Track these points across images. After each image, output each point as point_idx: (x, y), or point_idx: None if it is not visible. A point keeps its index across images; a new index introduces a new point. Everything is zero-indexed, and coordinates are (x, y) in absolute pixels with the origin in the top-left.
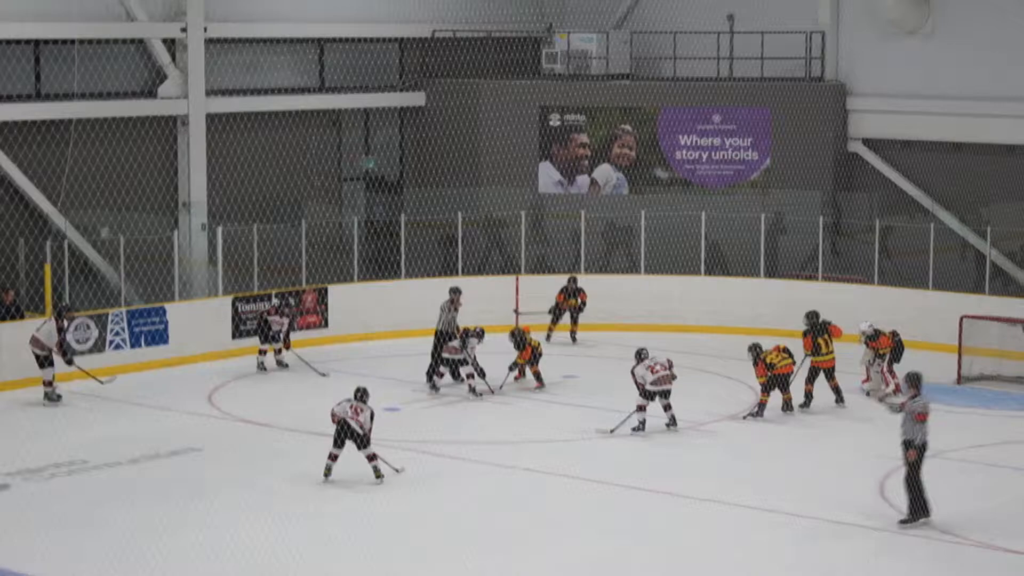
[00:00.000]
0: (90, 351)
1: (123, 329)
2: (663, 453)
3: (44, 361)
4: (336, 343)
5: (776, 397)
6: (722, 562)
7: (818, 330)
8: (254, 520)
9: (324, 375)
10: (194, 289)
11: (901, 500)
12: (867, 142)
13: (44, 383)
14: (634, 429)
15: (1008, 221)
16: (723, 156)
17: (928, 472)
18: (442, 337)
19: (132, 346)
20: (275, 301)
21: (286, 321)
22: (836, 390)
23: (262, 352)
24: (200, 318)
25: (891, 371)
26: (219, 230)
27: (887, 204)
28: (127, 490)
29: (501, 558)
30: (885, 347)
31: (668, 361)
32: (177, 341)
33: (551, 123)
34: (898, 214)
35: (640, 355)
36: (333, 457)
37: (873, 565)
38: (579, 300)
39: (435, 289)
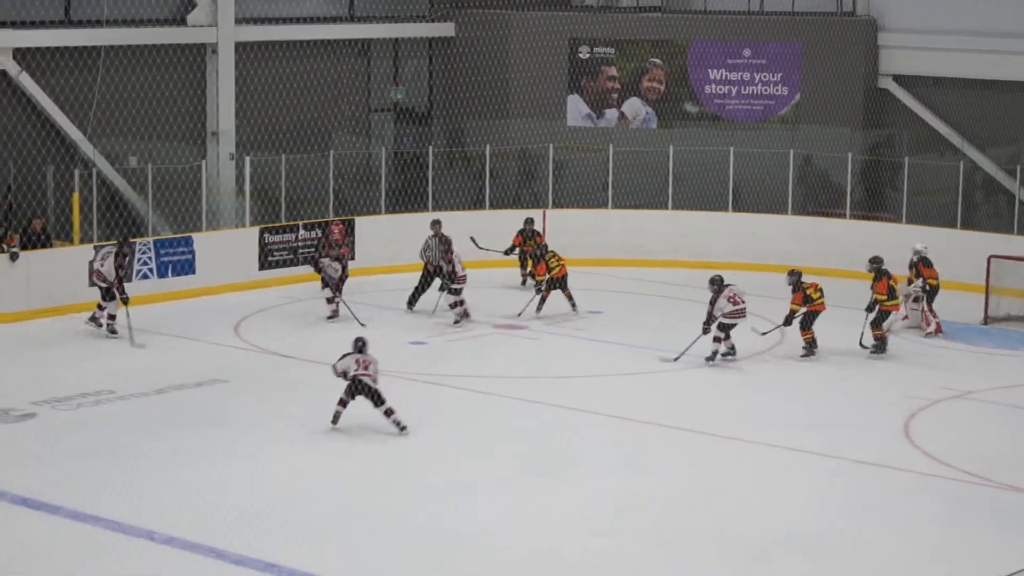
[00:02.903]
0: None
1: (150, 259)
2: (688, 389)
3: (107, 293)
4: (363, 275)
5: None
6: (744, 501)
7: (886, 273)
8: (279, 452)
9: (363, 324)
10: (222, 219)
11: (926, 440)
12: (898, 78)
13: (108, 315)
14: (724, 356)
15: None
16: (753, 91)
17: (955, 412)
18: (437, 272)
19: (159, 276)
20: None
21: (339, 267)
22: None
23: (330, 300)
24: (227, 249)
25: (931, 310)
26: (247, 160)
27: (917, 141)
28: (153, 420)
29: (518, 493)
30: (934, 279)
31: (743, 294)
32: (204, 271)
33: (580, 56)
34: (928, 152)
35: (720, 283)
36: (343, 403)
37: (898, 505)
38: (535, 243)
39: (463, 221)
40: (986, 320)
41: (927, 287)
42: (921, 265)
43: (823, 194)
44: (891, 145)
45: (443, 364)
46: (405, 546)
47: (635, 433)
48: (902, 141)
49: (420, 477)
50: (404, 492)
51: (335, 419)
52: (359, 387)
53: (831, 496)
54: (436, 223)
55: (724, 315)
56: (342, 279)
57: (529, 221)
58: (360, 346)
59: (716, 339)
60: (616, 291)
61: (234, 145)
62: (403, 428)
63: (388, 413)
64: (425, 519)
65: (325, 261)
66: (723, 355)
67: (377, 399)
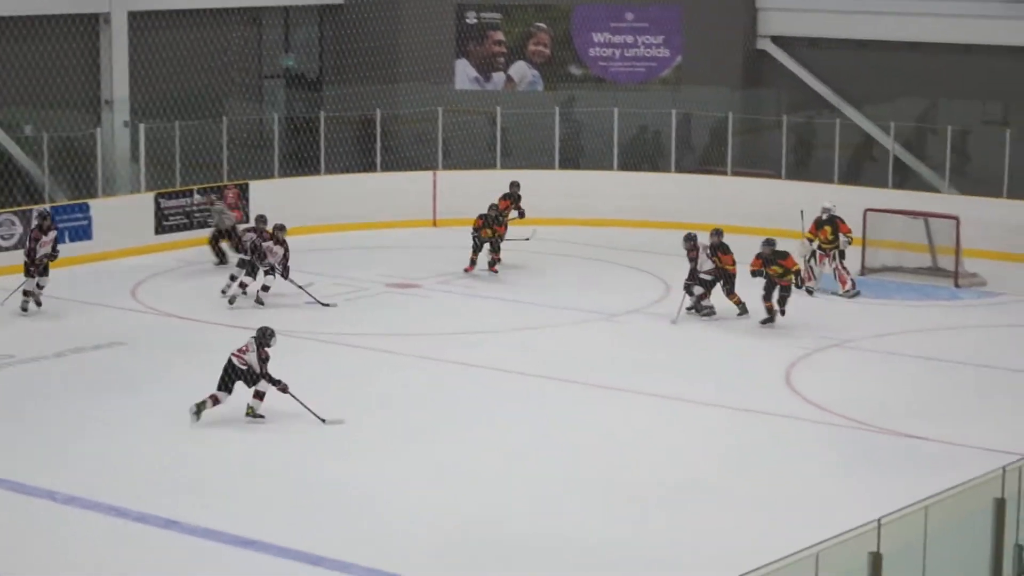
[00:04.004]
0: (14, 247)
1: None
2: (583, 345)
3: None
4: None
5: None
6: (634, 450)
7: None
8: (178, 411)
9: (332, 305)
10: (117, 186)
11: (807, 388)
12: (775, 39)
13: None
14: (699, 312)
15: (910, 116)
16: (635, 53)
17: (834, 360)
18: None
19: (57, 242)
20: (252, 222)
21: (281, 250)
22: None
23: (243, 285)
24: (123, 214)
25: (844, 268)
26: (141, 127)
27: (794, 100)
28: (52, 383)
29: (419, 447)
30: (847, 232)
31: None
32: (101, 237)
33: (467, 21)
34: (805, 110)
35: (695, 240)
36: (214, 400)
37: (781, 450)
38: (518, 208)
39: (355, 184)
40: (863, 271)
41: (849, 243)
42: (840, 222)
43: (704, 152)
44: (769, 104)
45: (337, 323)
46: (305, 502)
47: (525, 387)
48: (780, 100)
49: (319, 435)
50: (305, 450)
51: (197, 411)
52: (230, 369)
53: (717, 443)
54: (212, 192)
55: (704, 272)
56: (286, 258)
57: (515, 185)
58: (260, 335)
59: (699, 296)
60: (506, 250)
61: (128, 113)
62: (252, 415)
63: (256, 395)
64: (324, 475)
65: (267, 244)
66: (702, 311)
67: (249, 380)
